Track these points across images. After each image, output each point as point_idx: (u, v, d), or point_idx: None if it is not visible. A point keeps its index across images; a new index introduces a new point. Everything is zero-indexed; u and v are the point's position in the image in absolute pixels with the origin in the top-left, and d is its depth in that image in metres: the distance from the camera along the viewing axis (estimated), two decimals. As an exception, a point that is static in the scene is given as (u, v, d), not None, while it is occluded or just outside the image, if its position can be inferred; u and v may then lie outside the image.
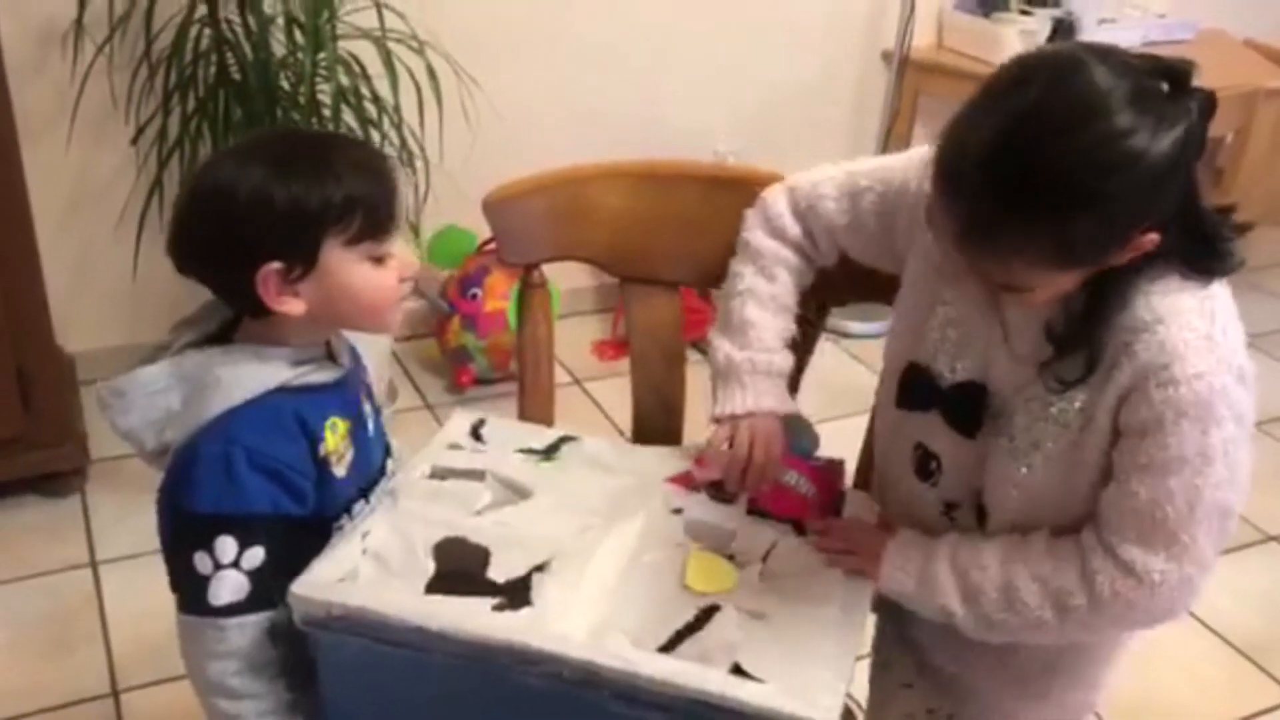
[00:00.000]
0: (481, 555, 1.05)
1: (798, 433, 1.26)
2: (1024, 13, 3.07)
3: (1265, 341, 3.11)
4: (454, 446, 1.23)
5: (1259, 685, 1.99)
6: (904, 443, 1.19)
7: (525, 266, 1.36)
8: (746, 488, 1.19)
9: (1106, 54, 0.92)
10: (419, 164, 2.29)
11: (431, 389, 2.68)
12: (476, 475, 1.17)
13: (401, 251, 1.02)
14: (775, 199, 1.26)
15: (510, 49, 2.63)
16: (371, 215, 0.98)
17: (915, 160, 1.16)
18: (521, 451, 1.23)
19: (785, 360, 1.24)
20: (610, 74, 2.80)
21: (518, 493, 1.15)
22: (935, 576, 1.09)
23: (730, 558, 1.11)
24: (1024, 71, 0.92)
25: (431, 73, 2.21)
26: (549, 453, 1.24)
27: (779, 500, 1.19)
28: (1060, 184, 0.88)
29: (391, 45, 2.20)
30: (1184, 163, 0.92)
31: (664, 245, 1.35)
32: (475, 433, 1.26)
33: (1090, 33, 3.11)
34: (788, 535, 1.15)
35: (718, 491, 1.19)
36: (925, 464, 1.16)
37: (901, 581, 1.10)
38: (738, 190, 1.29)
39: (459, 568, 1.03)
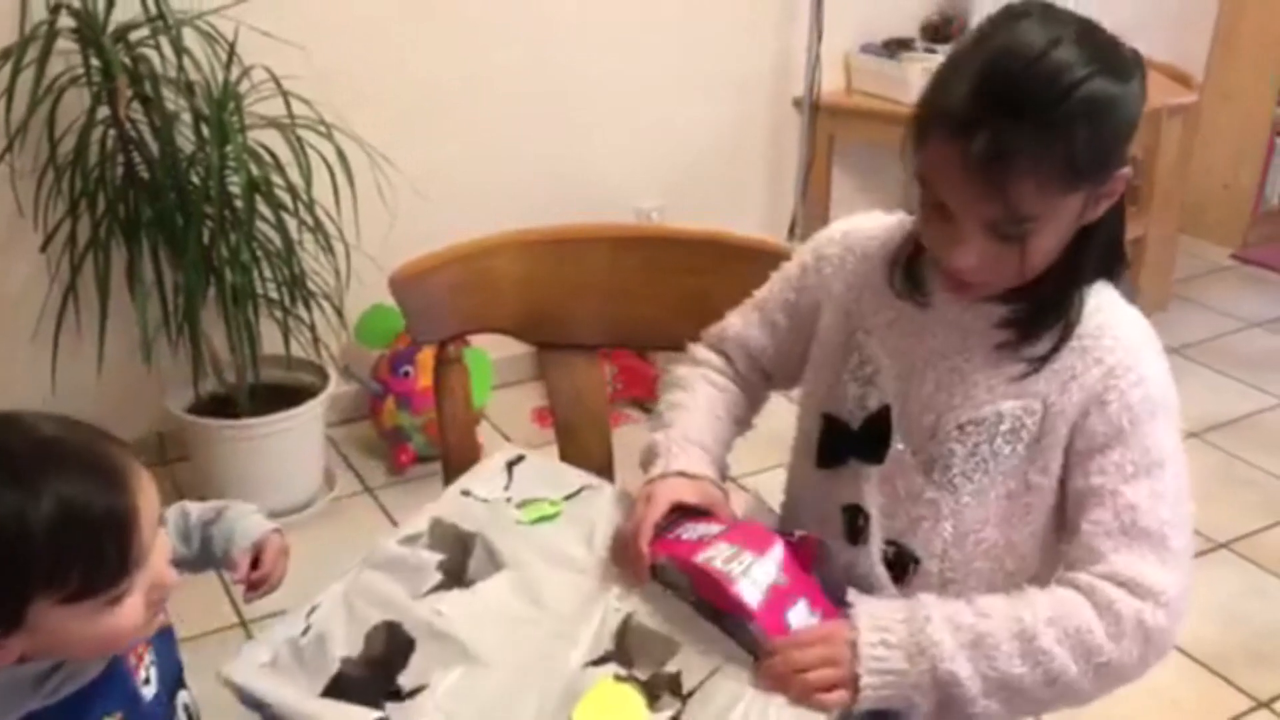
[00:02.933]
0: (406, 647, 1.01)
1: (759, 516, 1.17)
2: (929, 50, 3.13)
3: (1193, 351, 3.16)
4: (465, 493, 1.20)
5: (1225, 697, 1.99)
6: (830, 508, 1.12)
7: (439, 343, 1.34)
8: (628, 562, 1.07)
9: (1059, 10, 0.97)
10: (338, 247, 2.27)
11: (372, 473, 2.63)
12: (465, 540, 1.14)
13: (153, 568, 0.83)
14: (692, 348, 1.26)
15: (422, 123, 2.63)
16: (92, 573, 0.79)
17: (803, 251, 1.18)
18: (529, 503, 1.18)
19: (704, 434, 1.17)
20: (527, 140, 2.80)
21: (495, 565, 1.11)
22: (930, 638, 0.95)
23: (673, 677, 0.98)
24: (988, 23, 0.97)
25: (341, 155, 2.20)
26: (564, 501, 1.19)
27: (703, 585, 1.02)
28: (1055, 88, 0.90)
29: (300, 131, 2.19)
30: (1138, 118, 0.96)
31: (576, 309, 1.34)
32: (510, 468, 1.23)
33: (994, 65, 3.17)
34: (736, 660, 0.99)
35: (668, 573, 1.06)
36: (853, 524, 1.11)
37: (887, 661, 0.95)
38: (644, 248, 1.29)
39: (380, 658, 1.00)
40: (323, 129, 2.20)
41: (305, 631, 1.03)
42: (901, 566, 1.09)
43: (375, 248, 2.34)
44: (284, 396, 2.37)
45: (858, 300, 1.11)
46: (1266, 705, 1.97)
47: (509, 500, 1.19)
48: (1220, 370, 3.05)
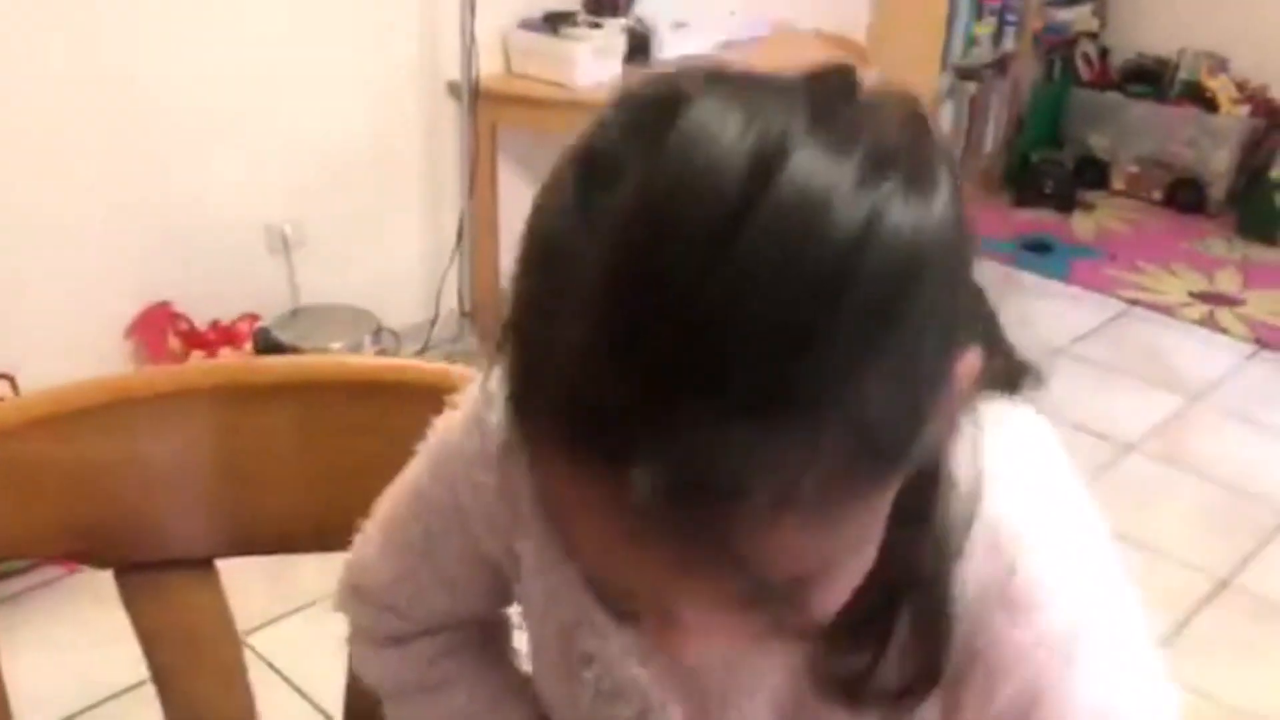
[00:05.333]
0: None
1: None
2: (593, 25, 2.75)
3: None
4: None
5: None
6: None
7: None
8: None
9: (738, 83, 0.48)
10: None
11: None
12: None
13: None
14: (354, 610, 0.80)
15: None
16: None
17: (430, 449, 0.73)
18: None
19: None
20: (113, 169, 2.16)
21: None
22: None
23: None
24: (602, 161, 0.46)
25: None
26: None
27: None
28: (799, 294, 0.43)
29: None
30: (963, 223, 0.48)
31: (169, 506, 0.84)
32: None
33: (666, 40, 2.86)
34: None
35: None
36: None
37: None
38: (271, 401, 0.81)
39: None
40: None
41: None
42: None
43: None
44: None
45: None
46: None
47: None
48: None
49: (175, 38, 2.18)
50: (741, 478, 0.43)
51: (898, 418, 0.45)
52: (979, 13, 3.72)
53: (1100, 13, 4.16)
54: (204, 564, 0.87)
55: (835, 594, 0.52)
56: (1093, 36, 4.14)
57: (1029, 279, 3.40)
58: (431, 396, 0.78)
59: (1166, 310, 3.28)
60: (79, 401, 0.82)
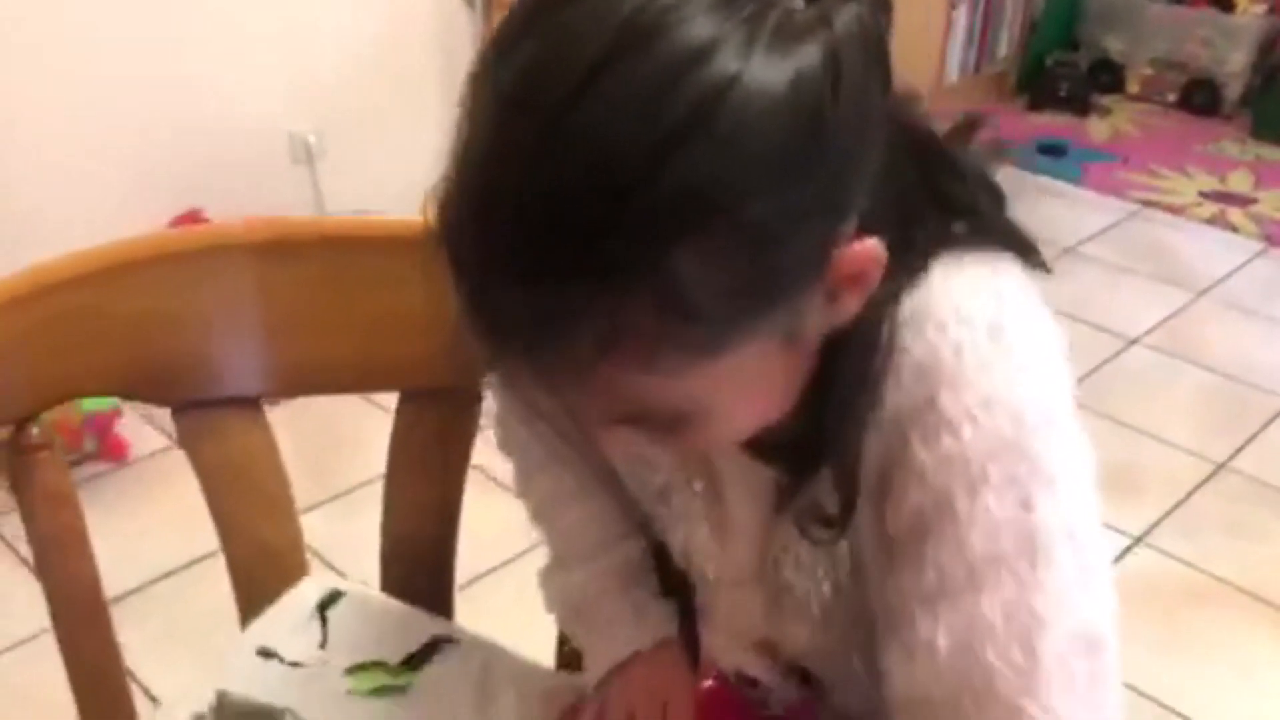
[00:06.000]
0: None
1: None
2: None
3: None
4: (265, 654, 0.90)
5: None
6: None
7: (15, 425, 0.89)
8: None
9: None
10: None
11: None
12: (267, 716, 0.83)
13: None
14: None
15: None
16: None
17: None
18: (360, 669, 0.88)
19: (636, 547, 0.87)
20: (136, 78, 2.24)
21: None
22: None
23: None
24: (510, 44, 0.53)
25: None
26: (406, 671, 0.88)
27: None
28: (599, 192, 0.49)
29: None
30: (853, 99, 0.53)
31: (218, 350, 0.93)
32: (322, 613, 0.93)
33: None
34: None
35: None
36: None
37: None
38: (310, 257, 0.90)
39: None
40: None
41: None
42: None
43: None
44: None
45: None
46: None
47: (327, 663, 0.89)
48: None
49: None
50: (568, 326, 0.52)
51: (716, 293, 0.51)
52: (995, -87, 3.71)
53: (1117, -87, 4.12)
54: (253, 404, 0.96)
55: (728, 428, 0.62)
56: (1110, -64, 4.10)
57: (1042, 182, 3.44)
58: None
59: (1177, 210, 3.31)
60: (127, 256, 0.91)
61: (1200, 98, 3.88)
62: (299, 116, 2.49)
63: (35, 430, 0.90)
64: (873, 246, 0.57)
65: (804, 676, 0.82)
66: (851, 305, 0.58)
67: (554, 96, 0.49)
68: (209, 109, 2.36)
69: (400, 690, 0.88)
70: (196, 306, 0.92)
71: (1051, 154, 3.62)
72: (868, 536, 0.66)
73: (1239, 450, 2.35)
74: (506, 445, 0.91)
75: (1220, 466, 2.31)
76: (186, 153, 2.34)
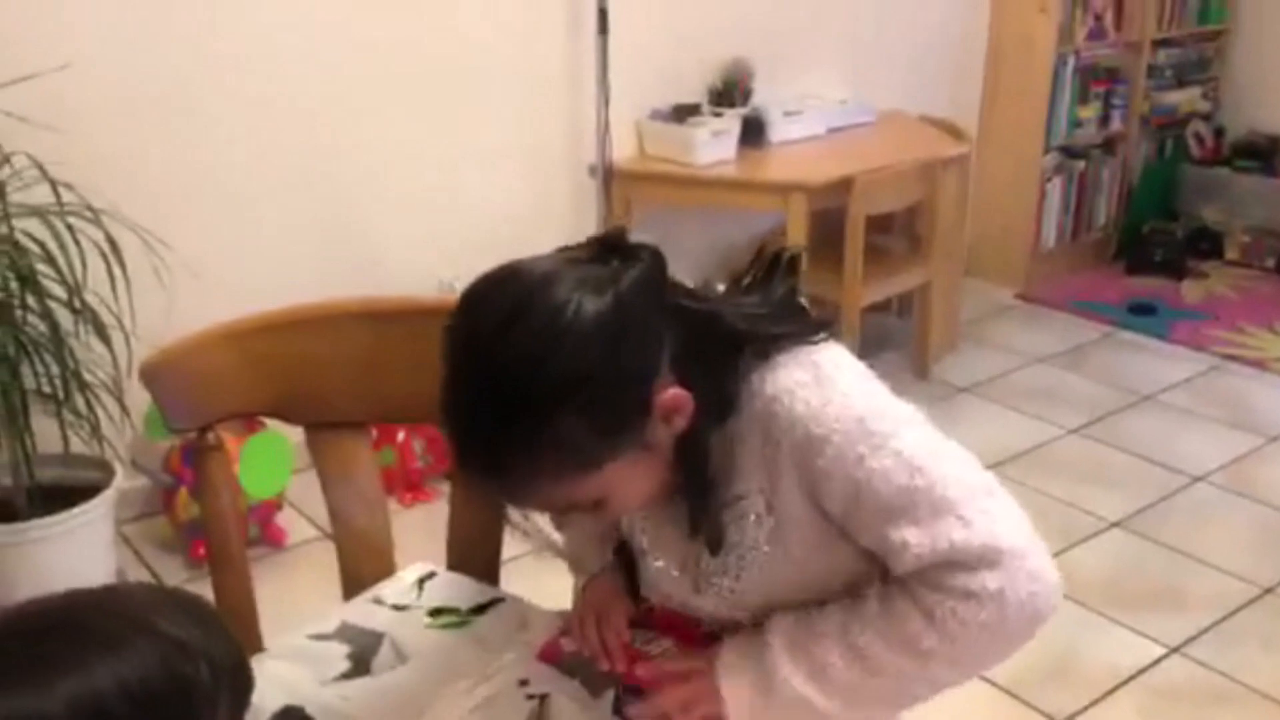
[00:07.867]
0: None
1: None
2: (716, 114, 3.24)
3: (983, 388, 3.32)
4: (376, 601, 1.28)
5: (1024, 717, 2.07)
6: None
7: (198, 431, 1.29)
8: (609, 665, 1.14)
9: (534, 269, 0.97)
10: (116, 335, 2.18)
11: (167, 568, 2.51)
12: (373, 637, 1.21)
13: None
14: None
15: (195, 201, 2.57)
16: None
17: None
18: (438, 612, 1.25)
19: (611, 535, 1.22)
20: (314, 216, 2.77)
21: (401, 659, 1.18)
22: (774, 667, 1.00)
23: None
24: (460, 311, 0.97)
25: (111, 240, 2.13)
26: (472, 614, 1.26)
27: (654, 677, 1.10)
28: (510, 387, 0.90)
29: (70, 219, 2.10)
30: (641, 311, 0.93)
31: (335, 384, 1.32)
32: (420, 584, 1.31)
33: (778, 126, 3.31)
34: None
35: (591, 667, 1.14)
36: None
37: (740, 697, 1.02)
38: (404, 322, 1.28)
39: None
40: (89, 214, 2.12)
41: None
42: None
43: (154, 333, 2.25)
44: (65, 496, 2.25)
45: None
46: (1060, 722, 2.07)
47: (417, 608, 1.27)
48: (1009, 405, 3.20)
49: (369, 121, 2.79)
50: (504, 468, 0.94)
51: (588, 439, 0.92)
52: (1083, 97, 4.04)
53: (1212, 95, 4.41)
54: (360, 426, 1.35)
55: (626, 502, 1.02)
56: (1205, 117, 4.38)
57: (1130, 337, 3.64)
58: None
59: (1259, 364, 3.46)
60: (279, 320, 1.32)
61: (1297, 263, 4.04)
62: (445, 265, 2.96)
63: (210, 436, 1.30)
64: (678, 393, 0.96)
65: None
66: (679, 424, 0.97)
67: (480, 342, 0.93)
68: (373, 256, 2.85)
69: (464, 625, 1.24)
70: (318, 355, 1.32)
71: (1142, 313, 3.82)
72: (809, 529, 1.01)
73: (1290, 577, 2.47)
74: None
75: (1267, 591, 2.43)
76: (355, 289, 2.83)
